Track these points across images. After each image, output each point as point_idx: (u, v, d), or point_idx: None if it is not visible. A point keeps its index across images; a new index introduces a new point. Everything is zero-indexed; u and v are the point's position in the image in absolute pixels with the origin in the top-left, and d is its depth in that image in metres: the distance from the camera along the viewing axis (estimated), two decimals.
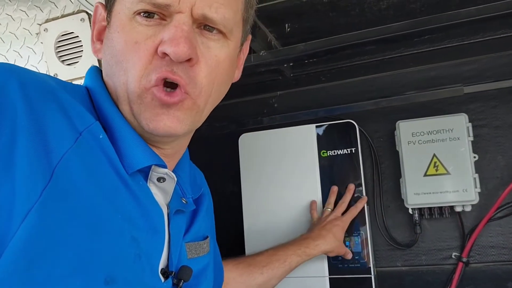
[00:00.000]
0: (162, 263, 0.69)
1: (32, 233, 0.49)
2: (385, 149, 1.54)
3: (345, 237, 1.39)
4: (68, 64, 1.04)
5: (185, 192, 0.79)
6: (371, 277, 1.37)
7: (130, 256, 0.61)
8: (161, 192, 0.71)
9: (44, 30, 1.04)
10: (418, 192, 1.37)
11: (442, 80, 1.50)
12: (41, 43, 1.05)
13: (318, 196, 1.45)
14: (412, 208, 1.43)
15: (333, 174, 1.45)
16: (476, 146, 1.38)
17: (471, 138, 1.35)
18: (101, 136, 0.63)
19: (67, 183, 0.54)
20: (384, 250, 1.51)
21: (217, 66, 0.67)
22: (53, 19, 1.04)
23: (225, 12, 0.65)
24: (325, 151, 1.47)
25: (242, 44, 0.77)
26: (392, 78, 1.53)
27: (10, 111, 0.52)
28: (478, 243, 1.41)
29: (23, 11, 1.05)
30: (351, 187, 1.41)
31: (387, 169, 1.54)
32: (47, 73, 1.05)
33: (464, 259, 1.40)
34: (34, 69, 1.06)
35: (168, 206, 0.73)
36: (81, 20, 1.01)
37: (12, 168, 0.50)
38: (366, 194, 1.44)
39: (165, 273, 0.68)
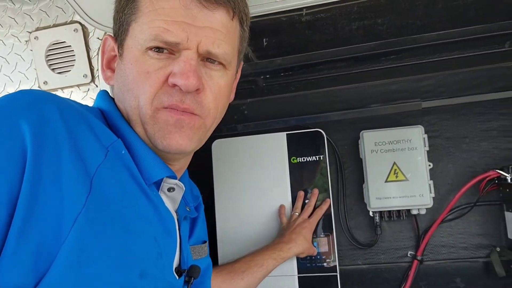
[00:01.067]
0: (175, 263, 0.78)
1: (81, 235, 0.57)
2: (349, 156, 1.67)
3: (313, 238, 1.49)
4: (59, 73, 1.06)
5: (187, 202, 0.87)
6: (336, 275, 1.48)
7: (154, 255, 0.70)
8: (170, 201, 0.80)
9: (35, 38, 1.04)
10: (380, 196, 1.50)
11: (402, 94, 1.64)
12: (31, 50, 1.06)
13: (288, 200, 1.54)
14: (373, 211, 1.55)
15: (302, 179, 1.55)
16: (430, 155, 1.53)
17: (427, 148, 1.50)
18: (123, 152, 0.71)
19: (102, 192, 0.63)
20: (347, 249, 1.64)
21: (219, 92, 0.77)
22: (44, 27, 1.05)
23: (226, 47, 0.74)
24: (295, 158, 1.56)
25: (236, 71, 0.88)
26: (356, 91, 1.66)
27: (54, 133, 0.60)
28: (431, 242, 1.56)
29: (12, 18, 1.05)
30: (316, 191, 1.51)
31: (350, 174, 1.67)
32: (37, 80, 1.07)
33: (419, 257, 1.55)
34: (22, 75, 1.07)
35: (177, 212, 0.80)
36: (74, 30, 1.03)
37: (60, 180, 0.58)
38: (331, 198, 1.55)
39: (178, 271, 0.77)
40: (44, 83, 1.06)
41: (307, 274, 1.49)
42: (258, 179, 1.57)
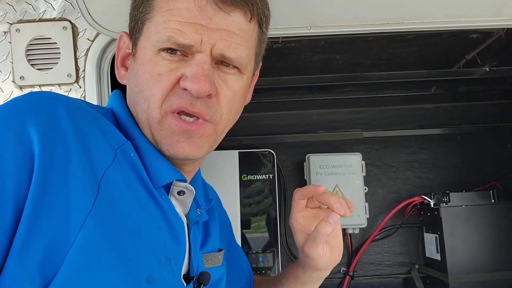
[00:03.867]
0: (183, 269, 0.75)
1: (89, 239, 0.56)
2: (291, 177, 1.78)
3: (259, 253, 1.57)
4: (39, 69, 1.00)
5: (199, 204, 0.85)
6: None
7: (163, 260, 0.67)
8: (180, 204, 0.77)
9: (16, 30, 0.98)
10: None
11: (339, 124, 1.81)
12: (9, 42, 0.99)
13: (237, 216, 1.59)
14: None
15: (251, 196, 1.62)
16: (364, 180, 1.70)
17: (364, 174, 1.67)
18: (132, 154, 0.68)
19: (110, 196, 0.61)
20: (286, 266, 1.72)
21: (233, 97, 0.75)
22: (28, 21, 0.99)
23: (242, 51, 0.72)
24: (245, 175, 1.63)
25: (254, 73, 0.85)
26: (302, 117, 1.80)
27: (63, 135, 0.58)
28: (361, 260, 1.73)
29: None
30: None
31: (291, 195, 1.77)
32: (11, 74, 1.00)
33: (351, 273, 1.69)
34: None
35: (187, 217, 0.79)
36: (63, 28, 0.98)
37: (68, 184, 0.56)
38: (274, 217, 1.64)
39: (187, 278, 0.75)
40: (20, 78, 0.99)
41: None
42: None
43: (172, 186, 0.75)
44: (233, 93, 0.75)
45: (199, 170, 0.89)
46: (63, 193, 0.56)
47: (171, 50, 0.69)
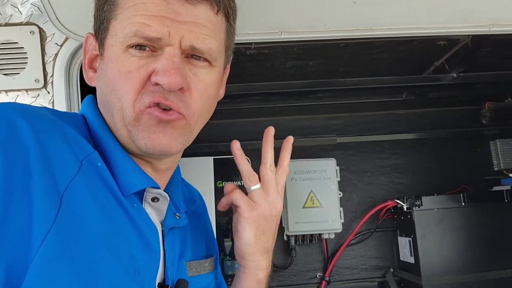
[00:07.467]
0: (159, 278, 0.73)
1: (49, 255, 0.55)
2: None
3: (235, 260, 1.55)
4: (5, 74, 0.98)
5: (178, 207, 0.82)
6: None
7: (131, 272, 0.65)
8: (155, 211, 0.76)
9: None
10: (298, 221, 1.63)
11: (315, 130, 1.83)
12: None
13: (213, 222, 1.58)
14: (287, 235, 1.68)
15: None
16: (339, 185, 1.72)
17: (339, 179, 1.69)
18: (99, 164, 0.67)
19: (74, 208, 0.60)
20: None
21: (205, 91, 0.73)
22: None
23: (211, 42, 0.71)
24: (221, 182, 1.62)
25: (225, 67, 0.84)
26: (278, 123, 1.80)
27: (23, 148, 0.57)
28: (337, 264, 1.73)
29: None
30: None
31: None
32: None
33: (327, 278, 1.70)
34: None
35: (162, 224, 0.77)
36: (30, 32, 0.96)
37: (29, 198, 0.56)
38: None
39: (162, 287, 0.74)
40: None
41: None
42: None
43: (145, 193, 0.74)
44: (205, 86, 0.74)
45: (178, 171, 0.87)
46: (24, 208, 0.55)
47: (139, 47, 0.68)
